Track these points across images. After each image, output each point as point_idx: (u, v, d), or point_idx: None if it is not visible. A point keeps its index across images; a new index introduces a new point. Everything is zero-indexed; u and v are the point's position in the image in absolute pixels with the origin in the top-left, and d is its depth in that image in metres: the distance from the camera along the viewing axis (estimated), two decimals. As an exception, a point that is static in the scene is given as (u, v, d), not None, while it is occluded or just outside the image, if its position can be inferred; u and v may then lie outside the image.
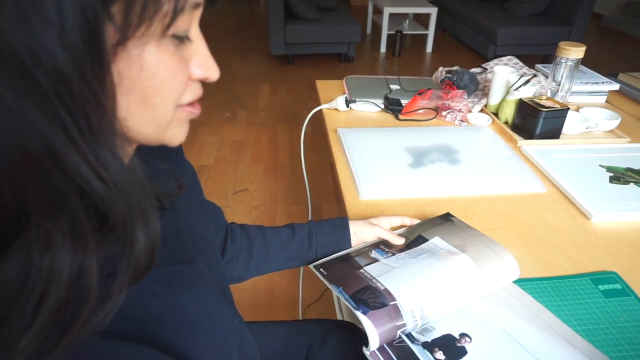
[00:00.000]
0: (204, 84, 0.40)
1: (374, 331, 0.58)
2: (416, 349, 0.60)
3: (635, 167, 1.04)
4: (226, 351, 0.47)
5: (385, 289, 0.64)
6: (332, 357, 0.78)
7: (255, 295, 1.72)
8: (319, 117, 1.34)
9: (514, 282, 0.71)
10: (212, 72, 0.38)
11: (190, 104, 0.39)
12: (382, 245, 0.76)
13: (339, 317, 1.36)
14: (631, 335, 0.64)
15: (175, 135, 0.39)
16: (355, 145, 1.11)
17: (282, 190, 2.37)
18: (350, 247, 0.77)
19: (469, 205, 0.91)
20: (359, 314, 0.60)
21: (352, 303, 0.62)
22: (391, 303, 0.62)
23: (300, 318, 1.60)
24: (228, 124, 3.07)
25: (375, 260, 0.71)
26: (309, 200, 1.50)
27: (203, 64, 0.37)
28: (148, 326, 0.38)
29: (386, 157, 1.06)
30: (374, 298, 0.62)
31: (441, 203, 0.92)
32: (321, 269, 0.71)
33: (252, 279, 1.88)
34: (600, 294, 0.70)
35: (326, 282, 0.68)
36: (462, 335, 0.62)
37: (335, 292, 0.66)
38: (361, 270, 0.69)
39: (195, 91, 0.39)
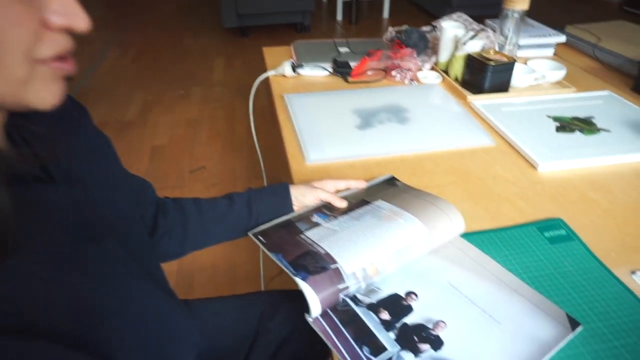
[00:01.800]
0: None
1: (314, 297, 0.56)
2: (360, 311, 0.58)
3: (581, 116, 1.04)
4: (147, 336, 0.44)
5: (326, 253, 0.61)
6: (284, 328, 0.76)
7: (215, 273, 1.68)
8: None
9: (462, 235, 0.70)
10: (77, 20, 0.32)
11: (59, 59, 0.33)
12: (324, 209, 0.73)
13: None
14: (574, 279, 0.63)
15: (42, 96, 0.33)
16: (302, 110, 1.07)
17: (241, 166, 2.32)
18: (292, 212, 0.73)
19: (418, 163, 0.89)
20: (298, 280, 0.57)
21: (292, 269, 0.59)
22: (332, 266, 0.59)
23: (264, 292, 1.58)
24: (182, 102, 2.96)
25: (317, 225, 0.68)
26: (263, 174, 1.46)
27: (63, 10, 0.31)
28: (41, 317, 0.33)
29: (334, 121, 1.03)
30: (314, 263, 0.60)
31: (390, 163, 0.89)
32: (260, 237, 0.67)
33: (211, 256, 1.84)
34: (546, 241, 0.70)
35: (265, 250, 0.65)
36: (409, 293, 0.61)
37: (274, 259, 0.62)
38: (302, 236, 0.66)
39: (59, 43, 0.33)
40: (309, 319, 0.57)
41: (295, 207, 0.74)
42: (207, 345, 0.72)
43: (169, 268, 1.73)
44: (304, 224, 0.69)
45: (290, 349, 0.75)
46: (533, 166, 0.88)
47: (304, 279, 0.57)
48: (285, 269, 0.60)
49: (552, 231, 0.72)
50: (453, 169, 0.88)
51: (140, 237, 0.54)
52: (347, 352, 0.53)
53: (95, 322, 0.37)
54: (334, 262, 0.59)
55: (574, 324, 0.56)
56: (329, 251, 0.61)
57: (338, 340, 0.55)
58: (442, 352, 0.53)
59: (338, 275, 0.58)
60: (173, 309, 0.53)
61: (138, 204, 0.61)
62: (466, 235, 0.71)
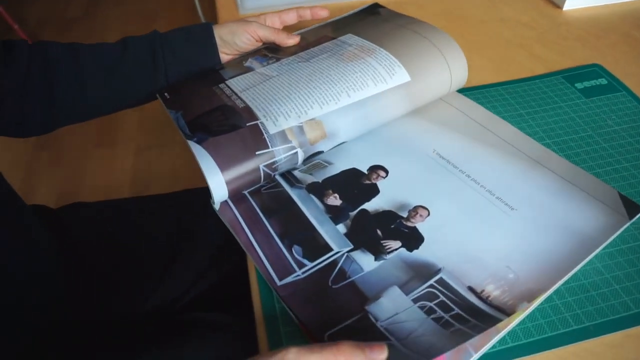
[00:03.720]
0: None
1: (214, 169, 0.34)
2: (296, 195, 0.37)
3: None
4: None
5: (246, 107, 0.38)
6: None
7: (175, 182, 1.47)
8: None
9: (458, 92, 0.48)
10: None
11: None
12: (266, 51, 0.49)
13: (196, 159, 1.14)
14: (624, 141, 0.42)
15: None
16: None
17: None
18: (218, 63, 0.49)
19: (398, 8, 0.64)
20: (191, 144, 0.35)
21: (186, 130, 0.37)
22: (248, 124, 0.37)
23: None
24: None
25: (248, 70, 0.45)
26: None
27: None
28: None
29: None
30: (222, 120, 0.37)
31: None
32: (166, 93, 0.44)
33: (169, 162, 1.62)
34: (579, 93, 0.48)
35: (165, 108, 0.42)
36: (374, 168, 0.39)
37: (172, 119, 0.40)
38: (221, 85, 0.42)
39: None
40: (215, 207, 0.36)
41: (224, 55, 0.49)
42: (117, 256, 0.51)
43: (122, 176, 1.51)
44: (231, 71, 0.45)
45: (229, 258, 0.54)
46: (556, 4, 0.64)
47: (199, 141, 0.35)
48: (181, 132, 0.37)
49: (587, 81, 0.49)
50: (444, 13, 0.63)
51: None
52: (264, 254, 0.33)
53: None
54: (254, 118, 0.37)
55: (630, 207, 0.35)
56: (249, 103, 0.39)
57: (254, 237, 0.34)
58: (420, 252, 0.33)
59: (258, 138, 0.36)
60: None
61: None
62: (463, 92, 0.48)
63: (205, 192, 0.60)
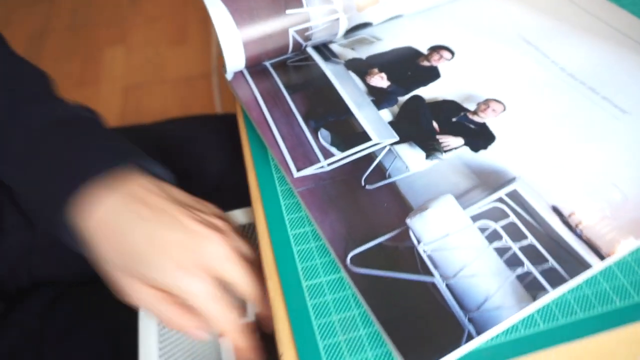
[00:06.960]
0: None
1: (229, 24, 0.26)
2: (330, 69, 0.29)
3: None
4: None
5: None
6: (221, 162, 0.43)
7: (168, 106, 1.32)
8: None
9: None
10: None
11: None
12: None
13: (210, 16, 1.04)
14: None
15: None
16: None
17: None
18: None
19: None
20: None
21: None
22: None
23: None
24: None
25: None
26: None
27: None
28: None
29: None
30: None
31: None
32: None
33: (160, 100, 1.46)
34: None
35: None
36: (436, 48, 0.30)
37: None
38: None
39: None
40: (226, 76, 0.29)
41: None
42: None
43: (107, 118, 1.38)
44: None
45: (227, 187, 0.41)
46: None
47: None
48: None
49: None
50: None
51: None
52: (281, 134, 0.25)
53: None
54: (282, -36, 0.28)
55: None
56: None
57: (270, 114, 0.26)
58: (489, 154, 0.24)
59: (286, -11, 0.27)
60: None
61: None
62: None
63: (191, 121, 0.45)
